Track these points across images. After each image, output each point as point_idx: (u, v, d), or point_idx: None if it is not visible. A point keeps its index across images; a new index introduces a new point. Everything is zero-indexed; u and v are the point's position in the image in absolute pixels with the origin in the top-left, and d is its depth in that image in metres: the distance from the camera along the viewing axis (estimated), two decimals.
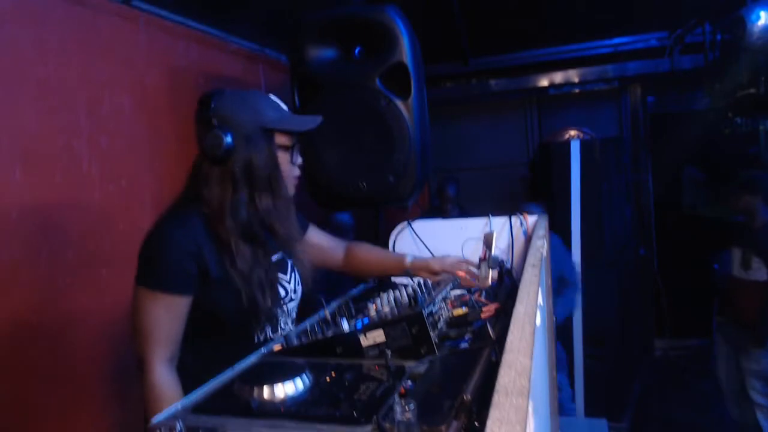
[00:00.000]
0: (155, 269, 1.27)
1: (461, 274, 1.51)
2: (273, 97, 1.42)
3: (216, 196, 1.30)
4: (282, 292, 1.43)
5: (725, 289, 3.35)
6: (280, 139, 1.37)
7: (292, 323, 1.48)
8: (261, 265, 1.34)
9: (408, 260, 1.63)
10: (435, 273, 1.57)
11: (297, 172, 1.45)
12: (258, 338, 1.37)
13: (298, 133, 1.42)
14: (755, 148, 4.89)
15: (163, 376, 1.24)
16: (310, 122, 1.42)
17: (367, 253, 1.73)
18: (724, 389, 3.40)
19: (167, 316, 1.26)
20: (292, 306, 1.49)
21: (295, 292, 1.49)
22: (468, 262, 1.57)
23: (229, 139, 1.27)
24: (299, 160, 1.44)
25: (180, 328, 1.28)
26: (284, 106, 1.42)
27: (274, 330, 1.41)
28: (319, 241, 1.70)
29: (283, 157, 1.38)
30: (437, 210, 3.92)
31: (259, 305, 1.32)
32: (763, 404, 3.17)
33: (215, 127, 1.27)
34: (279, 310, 1.42)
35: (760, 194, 3.12)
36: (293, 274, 1.49)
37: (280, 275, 1.44)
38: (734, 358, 3.33)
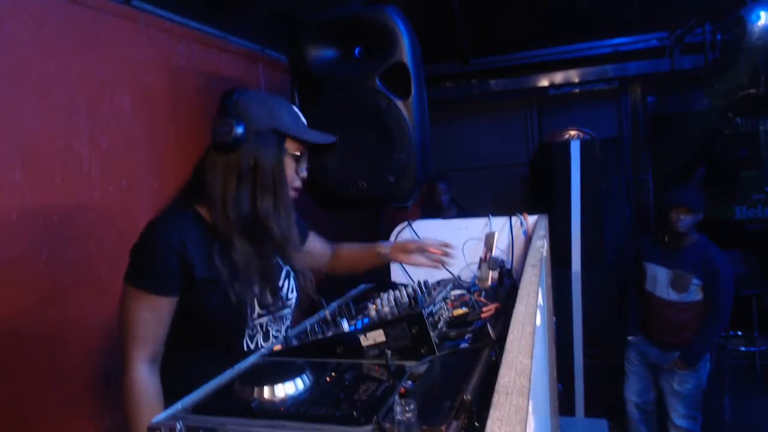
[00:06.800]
0: (139, 268, 1.27)
1: (433, 250, 1.64)
2: (295, 108, 1.45)
3: (219, 186, 1.30)
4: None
5: (647, 308, 3.24)
6: (290, 146, 1.38)
7: (286, 331, 1.46)
8: (259, 259, 1.34)
9: (382, 247, 1.74)
10: (411, 251, 1.68)
11: (298, 183, 1.44)
12: (248, 346, 1.35)
13: (309, 145, 1.42)
14: (744, 150, 4.89)
15: (142, 376, 1.24)
16: (322, 138, 1.43)
17: (346, 251, 1.81)
18: (633, 410, 3.30)
19: (150, 316, 1.25)
20: (287, 313, 1.47)
21: (288, 299, 1.47)
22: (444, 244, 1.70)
23: (240, 130, 1.28)
24: (304, 172, 1.44)
25: (163, 328, 1.28)
26: (303, 119, 1.44)
27: (266, 339, 1.39)
28: (312, 246, 1.71)
29: (289, 165, 1.38)
30: (433, 208, 3.92)
31: (247, 304, 1.31)
32: (683, 427, 3.07)
33: (230, 116, 1.29)
34: (271, 318, 1.40)
35: (699, 211, 2.99)
36: (288, 281, 1.48)
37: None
38: (650, 379, 3.24)
